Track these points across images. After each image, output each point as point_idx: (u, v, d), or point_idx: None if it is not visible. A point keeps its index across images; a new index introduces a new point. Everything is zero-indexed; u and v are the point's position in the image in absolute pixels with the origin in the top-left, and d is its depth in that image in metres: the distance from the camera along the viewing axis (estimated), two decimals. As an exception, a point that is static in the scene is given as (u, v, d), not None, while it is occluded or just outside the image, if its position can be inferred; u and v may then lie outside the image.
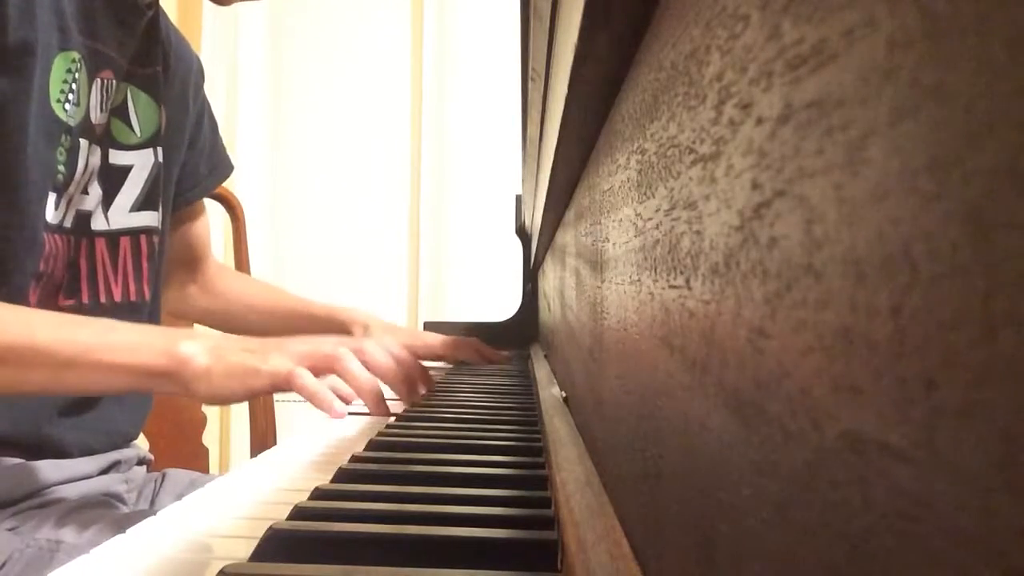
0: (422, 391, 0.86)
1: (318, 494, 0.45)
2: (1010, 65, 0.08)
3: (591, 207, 0.53)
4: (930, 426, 0.10)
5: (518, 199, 1.56)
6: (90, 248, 0.84)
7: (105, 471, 0.87)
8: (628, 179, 0.35)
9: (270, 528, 0.36)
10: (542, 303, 1.32)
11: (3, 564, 0.67)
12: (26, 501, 0.76)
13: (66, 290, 0.81)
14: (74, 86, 0.77)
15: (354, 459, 0.54)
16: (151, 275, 0.91)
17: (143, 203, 0.89)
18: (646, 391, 0.30)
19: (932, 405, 0.10)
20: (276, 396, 1.32)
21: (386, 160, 2.13)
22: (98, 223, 0.84)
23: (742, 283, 0.18)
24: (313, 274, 2.07)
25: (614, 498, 0.39)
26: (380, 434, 0.63)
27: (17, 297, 0.73)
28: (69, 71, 0.76)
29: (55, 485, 0.79)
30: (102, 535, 0.68)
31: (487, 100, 2.05)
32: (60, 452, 0.81)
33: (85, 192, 0.82)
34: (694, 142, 0.22)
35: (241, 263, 1.35)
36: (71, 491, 0.80)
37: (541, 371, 1.04)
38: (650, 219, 0.29)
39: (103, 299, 0.84)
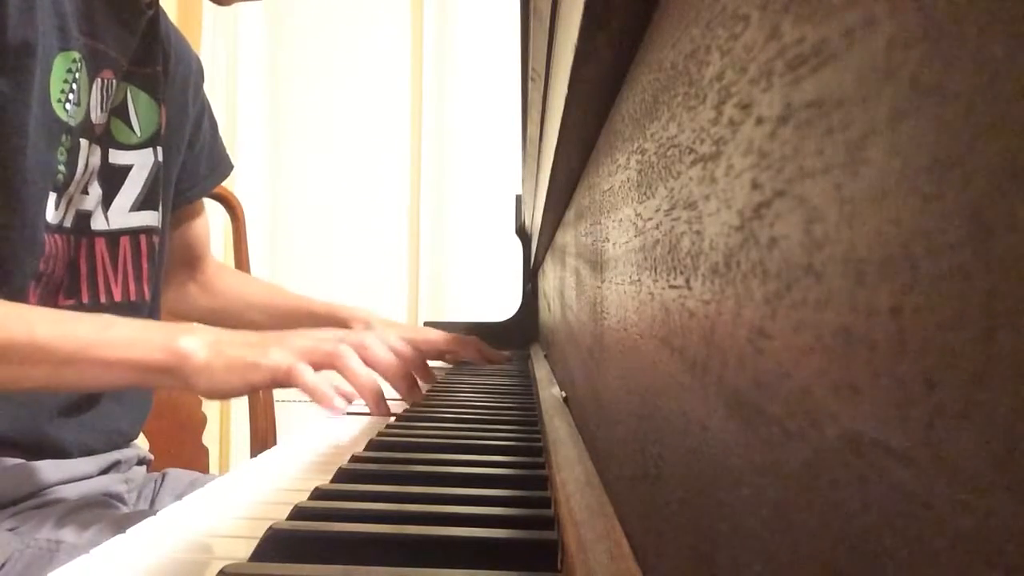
0: (423, 388, 0.86)
1: (318, 494, 0.45)
2: (1010, 65, 0.08)
3: (591, 207, 0.53)
4: (930, 426, 0.10)
5: (518, 199, 1.56)
6: (90, 248, 0.84)
7: (105, 471, 0.87)
8: (628, 179, 0.35)
9: (270, 528, 0.36)
10: (542, 303, 1.32)
11: (3, 564, 0.67)
12: (26, 501, 0.76)
13: (66, 290, 0.81)
14: (74, 86, 0.77)
15: (354, 459, 0.54)
16: (151, 275, 0.91)
17: (143, 203, 0.89)
18: (646, 391, 0.30)
19: (932, 405, 0.10)
20: (276, 396, 1.32)
21: (386, 160, 2.13)
22: (98, 223, 0.84)
23: (742, 283, 0.18)
24: (313, 274, 2.07)
25: (614, 498, 0.39)
26: (380, 434, 0.63)
27: (17, 297, 0.73)
28: (69, 71, 0.76)
29: (55, 485, 0.79)
30: (102, 535, 0.68)
31: (487, 100, 2.05)
32: (60, 452, 0.81)
33: (85, 192, 0.82)
34: (694, 142, 0.22)
35: (241, 263, 1.35)
36: (71, 491, 0.80)
37: (541, 371, 1.04)
38: (650, 219, 0.29)
39: (103, 299, 0.84)
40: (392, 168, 2.13)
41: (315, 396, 0.71)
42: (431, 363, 1.17)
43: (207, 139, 1.06)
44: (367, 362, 0.76)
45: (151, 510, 0.85)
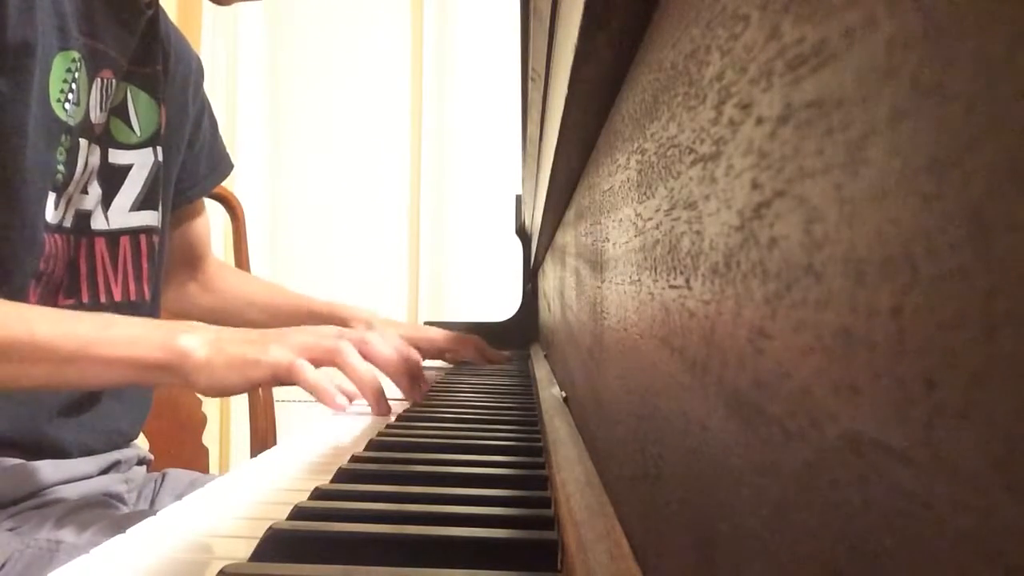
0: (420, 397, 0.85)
1: (318, 494, 0.45)
2: (1010, 65, 0.08)
3: (591, 207, 0.53)
4: (930, 426, 0.10)
5: (518, 199, 1.56)
6: (90, 248, 0.84)
7: (105, 471, 0.87)
8: (628, 179, 0.35)
9: (270, 528, 0.36)
10: (542, 303, 1.32)
11: (3, 564, 0.67)
12: (26, 501, 0.76)
13: (66, 290, 0.81)
14: (74, 86, 0.76)
15: (354, 459, 0.54)
16: (151, 274, 0.91)
17: (143, 202, 0.89)
18: (646, 391, 0.30)
19: (932, 405, 0.10)
20: (276, 396, 1.32)
21: (386, 160, 2.13)
22: (98, 222, 0.84)
23: (742, 283, 0.18)
24: (313, 274, 2.07)
25: (614, 498, 0.39)
26: (380, 434, 0.63)
27: (17, 297, 0.73)
28: (69, 71, 0.76)
29: (55, 485, 0.79)
30: (102, 535, 0.68)
31: (487, 100, 2.05)
32: (60, 452, 0.81)
33: (85, 192, 0.82)
34: (694, 142, 0.22)
35: (241, 263, 1.35)
36: (71, 491, 0.80)
37: (541, 371, 1.04)
38: (650, 219, 0.29)
39: (103, 299, 0.84)
40: (392, 168, 2.13)
41: (317, 393, 0.70)
42: (432, 363, 1.17)
43: (207, 138, 1.06)
44: (368, 358, 0.76)
45: (151, 510, 0.85)
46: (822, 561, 0.13)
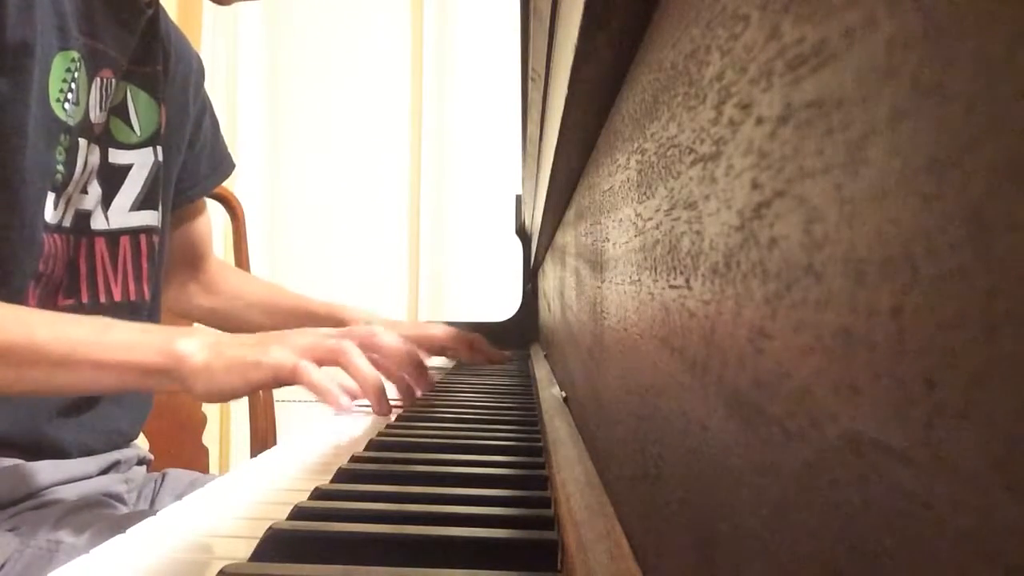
0: (426, 388, 0.85)
1: (318, 494, 0.45)
2: (1010, 65, 0.08)
3: (591, 207, 0.53)
4: (930, 426, 0.10)
5: (518, 199, 1.56)
6: (90, 248, 0.84)
7: (105, 471, 0.87)
8: (628, 179, 0.35)
9: (270, 528, 0.36)
10: (542, 303, 1.32)
11: (2, 565, 0.67)
12: (25, 502, 0.76)
13: (66, 290, 0.81)
14: (73, 85, 0.76)
15: (354, 459, 0.54)
16: (151, 275, 0.90)
17: (143, 202, 0.89)
18: (646, 391, 0.30)
19: (932, 405, 0.10)
20: (276, 396, 1.32)
21: (386, 160, 2.13)
22: (98, 222, 0.84)
23: (742, 283, 0.18)
24: (313, 274, 2.07)
25: (614, 498, 0.39)
26: (380, 434, 0.63)
27: (16, 297, 0.73)
28: (68, 70, 0.76)
29: (54, 485, 0.79)
30: (102, 535, 0.68)
31: (487, 100, 2.05)
32: (59, 452, 0.81)
33: (84, 191, 0.82)
34: (694, 142, 0.22)
35: (241, 263, 1.35)
36: (71, 491, 0.80)
37: (541, 371, 1.04)
38: (650, 219, 0.29)
39: (103, 299, 0.84)
40: (392, 168, 2.13)
41: (320, 394, 0.70)
42: (433, 363, 1.17)
43: (208, 138, 1.06)
44: (374, 351, 0.75)
45: (151, 510, 0.85)
46: (822, 561, 0.13)
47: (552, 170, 0.65)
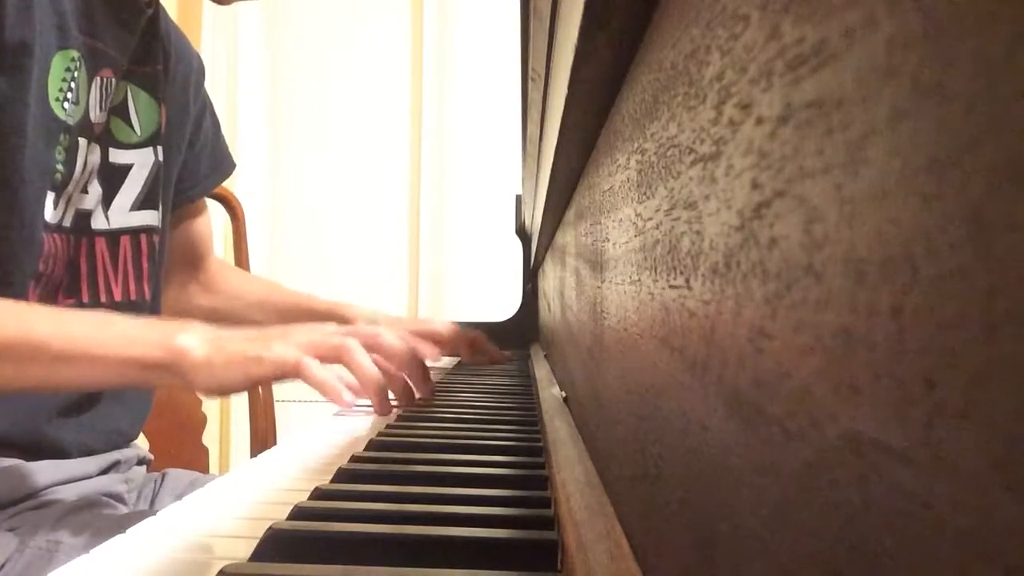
0: (427, 392, 0.85)
1: (318, 494, 0.45)
2: (1010, 65, 0.08)
3: (591, 207, 0.53)
4: (930, 426, 0.10)
5: (518, 199, 1.56)
6: (90, 247, 0.84)
7: (105, 471, 0.87)
8: (628, 179, 0.35)
9: (270, 528, 0.36)
10: (542, 303, 1.32)
11: (2, 565, 0.67)
12: (25, 502, 0.76)
13: (66, 289, 0.81)
14: (73, 85, 0.76)
15: (354, 459, 0.54)
16: (151, 274, 0.90)
17: (143, 202, 0.89)
18: (646, 391, 0.30)
19: (932, 405, 0.10)
20: (276, 396, 1.32)
21: (386, 160, 2.13)
22: (98, 222, 0.84)
23: (742, 283, 0.18)
24: (313, 274, 2.07)
25: (614, 498, 0.39)
26: (380, 434, 0.63)
27: (16, 297, 0.73)
28: (68, 70, 0.76)
29: (54, 485, 0.79)
30: (102, 535, 0.68)
31: (487, 100, 2.05)
32: (59, 452, 0.81)
33: (85, 191, 0.82)
34: (694, 142, 0.22)
35: (241, 263, 1.35)
36: (71, 491, 0.80)
37: (541, 371, 1.04)
38: (650, 219, 0.29)
39: (103, 298, 0.84)
40: (392, 168, 2.13)
41: (324, 390, 0.70)
42: (433, 363, 1.17)
43: (209, 138, 1.06)
44: (378, 351, 0.75)
45: (151, 510, 0.85)
46: (822, 561, 0.13)
47: (552, 170, 0.65)
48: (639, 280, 0.31)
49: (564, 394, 0.75)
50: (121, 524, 0.64)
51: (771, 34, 0.16)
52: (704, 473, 0.21)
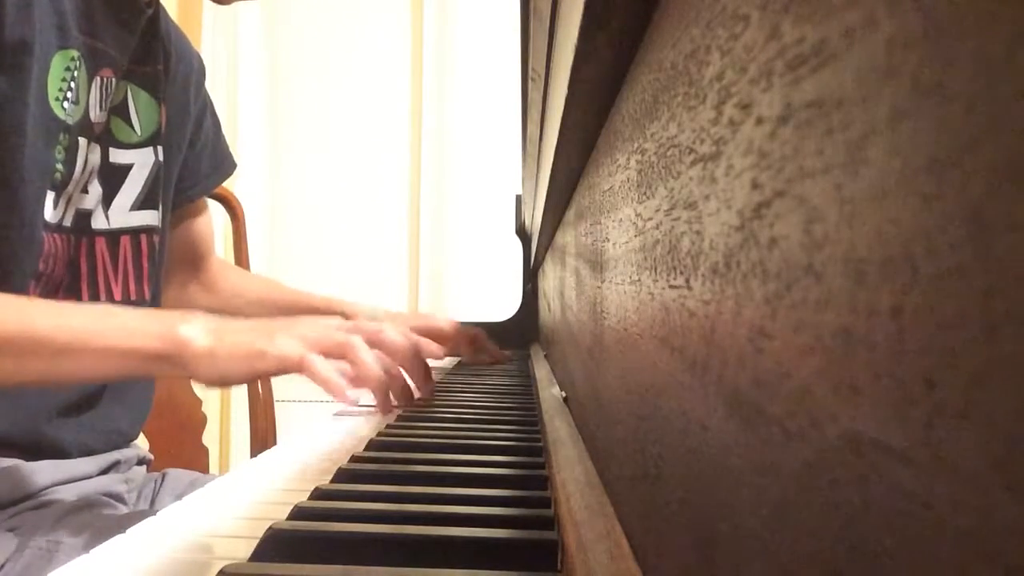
0: (428, 392, 0.85)
1: (318, 494, 0.45)
2: (1010, 65, 0.08)
3: (591, 207, 0.53)
4: (930, 426, 0.10)
5: (518, 199, 1.56)
6: (90, 247, 0.84)
7: (105, 471, 0.87)
8: (628, 179, 0.35)
9: (270, 528, 0.36)
10: (542, 303, 1.32)
11: (2, 565, 0.67)
12: (25, 502, 0.76)
13: (66, 289, 0.81)
14: (73, 84, 0.76)
15: (354, 459, 0.54)
16: (151, 274, 0.90)
17: (143, 202, 0.89)
18: (646, 391, 0.30)
19: (932, 405, 0.10)
20: (276, 396, 1.32)
21: (386, 160, 2.13)
22: (98, 222, 0.84)
23: (742, 283, 0.18)
24: (313, 274, 2.07)
25: (614, 498, 0.39)
26: (380, 434, 0.63)
27: (17, 297, 0.73)
28: (68, 69, 0.76)
29: (54, 486, 0.79)
30: (102, 535, 0.68)
31: (487, 100, 2.05)
32: (59, 452, 0.81)
33: (85, 191, 0.82)
34: (694, 142, 0.22)
35: (241, 263, 1.35)
36: (71, 492, 0.80)
37: (541, 371, 1.04)
38: (650, 219, 0.29)
39: (103, 298, 0.84)
40: (392, 168, 2.13)
41: (328, 387, 0.69)
42: (432, 363, 1.17)
43: (210, 137, 1.06)
44: (381, 348, 0.75)
45: (151, 510, 0.85)
46: (822, 561, 0.13)
47: (552, 170, 0.65)
48: (639, 280, 0.31)
49: (564, 394, 0.75)
50: (121, 524, 0.64)
51: (771, 34, 0.16)
52: (704, 473, 0.21)
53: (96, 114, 0.81)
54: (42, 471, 0.79)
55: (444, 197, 2.09)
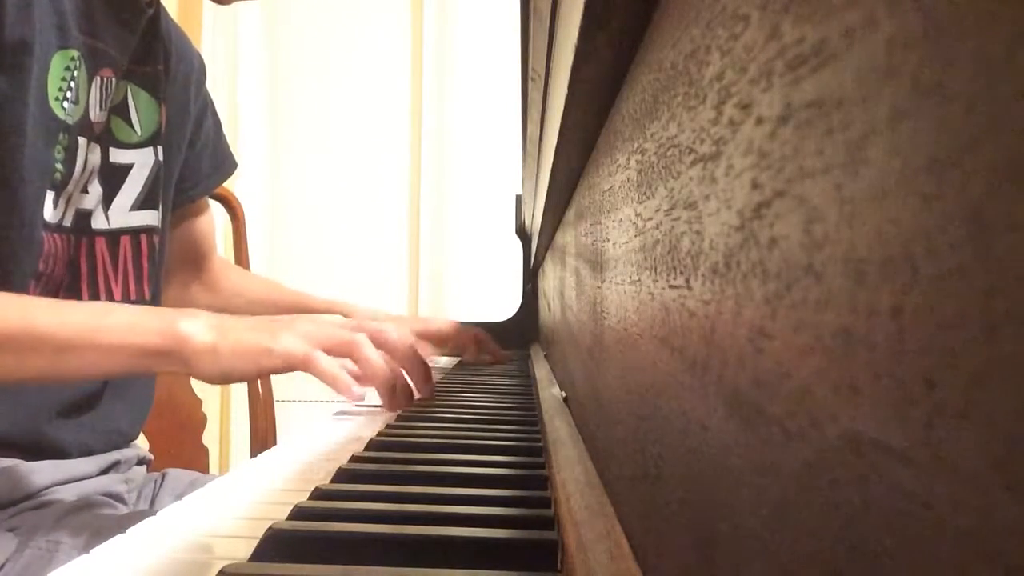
0: (428, 393, 0.85)
1: (318, 494, 0.45)
2: (1010, 65, 0.08)
3: (591, 207, 0.53)
4: (930, 426, 0.10)
5: (518, 199, 1.56)
6: (90, 247, 0.84)
7: (105, 471, 0.87)
8: (628, 179, 0.35)
9: (270, 528, 0.36)
10: (542, 303, 1.32)
11: (2, 565, 0.67)
12: (25, 502, 0.76)
13: (66, 289, 0.81)
14: (73, 84, 0.76)
15: (354, 459, 0.54)
16: (151, 274, 0.90)
17: (143, 202, 0.89)
18: (646, 391, 0.30)
19: (932, 405, 0.10)
20: (276, 396, 1.32)
21: (386, 160, 2.13)
22: (98, 222, 0.84)
23: (742, 283, 0.18)
24: (313, 274, 2.07)
25: (614, 498, 0.39)
26: (380, 434, 0.63)
27: (17, 297, 0.73)
28: (68, 69, 0.76)
29: (54, 486, 0.79)
30: (102, 535, 0.68)
31: (487, 100, 2.05)
32: (59, 453, 0.81)
33: (85, 191, 0.82)
34: (694, 142, 0.22)
35: (241, 263, 1.35)
36: (71, 492, 0.80)
37: (541, 371, 1.04)
38: (650, 219, 0.29)
39: (103, 298, 0.84)
40: (392, 168, 2.13)
41: (334, 384, 0.69)
42: (435, 361, 1.17)
43: (210, 137, 1.06)
44: (383, 348, 0.75)
45: (151, 510, 0.85)
46: (822, 561, 0.13)
47: (552, 170, 0.65)
48: (639, 280, 0.31)
49: (564, 394, 0.75)
50: (121, 524, 0.64)
51: (771, 34, 0.16)
52: (704, 473, 0.21)
53: (96, 114, 0.81)
54: (42, 471, 0.79)
55: (444, 197, 2.09)
